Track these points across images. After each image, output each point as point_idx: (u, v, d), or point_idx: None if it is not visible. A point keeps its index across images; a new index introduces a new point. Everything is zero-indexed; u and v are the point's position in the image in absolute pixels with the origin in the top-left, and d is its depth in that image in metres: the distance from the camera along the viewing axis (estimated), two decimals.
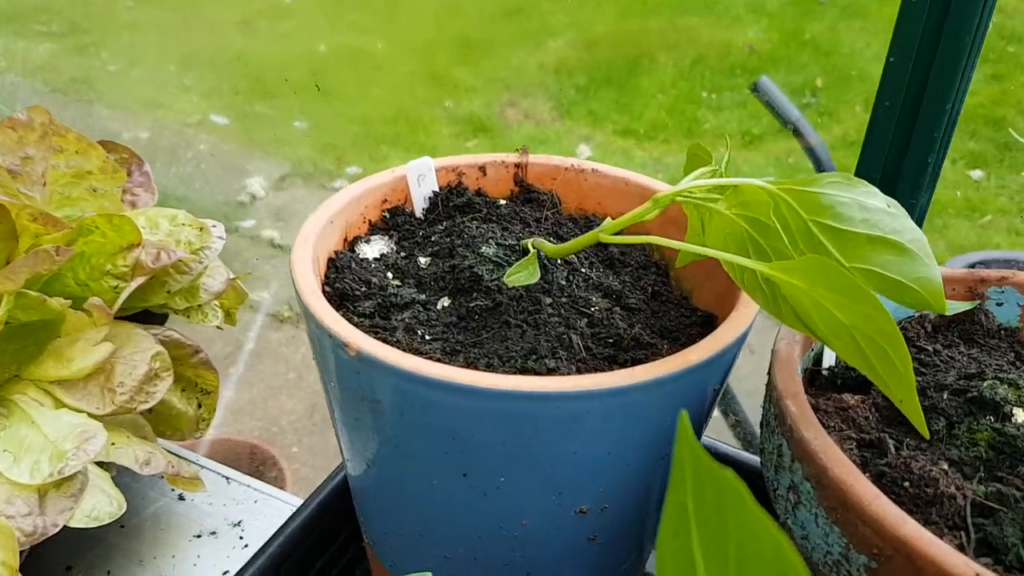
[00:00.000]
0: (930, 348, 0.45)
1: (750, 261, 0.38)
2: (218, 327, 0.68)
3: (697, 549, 0.19)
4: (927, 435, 0.36)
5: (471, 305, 0.46)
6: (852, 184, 0.38)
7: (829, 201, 0.38)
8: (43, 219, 0.57)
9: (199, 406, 0.66)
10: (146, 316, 0.66)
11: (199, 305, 0.66)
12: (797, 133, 1.09)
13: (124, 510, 0.51)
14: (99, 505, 0.51)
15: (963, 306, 0.43)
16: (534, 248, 0.46)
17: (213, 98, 3.12)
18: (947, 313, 0.37)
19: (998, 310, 0.48)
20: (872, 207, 0.38)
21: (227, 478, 0.67)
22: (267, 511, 0.64)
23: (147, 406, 0.57)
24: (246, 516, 0.63)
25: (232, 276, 0.70)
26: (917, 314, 0.49)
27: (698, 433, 0.47)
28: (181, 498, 0.65)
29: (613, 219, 0.44)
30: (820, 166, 1.04)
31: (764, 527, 0.18)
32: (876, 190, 0.38)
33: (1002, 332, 0.47)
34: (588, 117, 3.12)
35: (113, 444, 0.56)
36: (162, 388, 0.59)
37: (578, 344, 0.44)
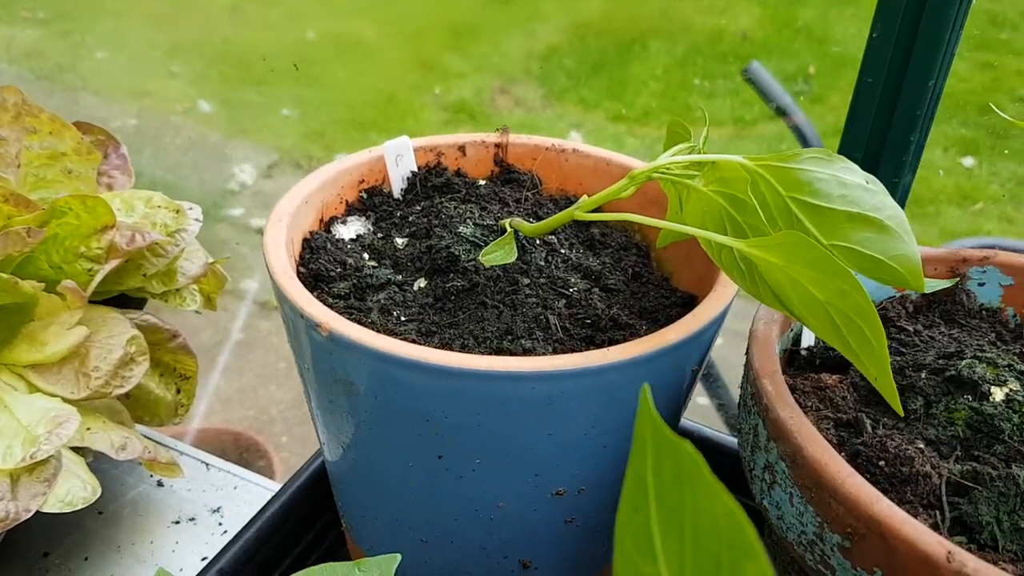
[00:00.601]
0: (910, 328, 0.45)
1: (727, 238, 0.37)
2: (197, 311, 0.67)
3: (655, 523, 0.19)
4: (901, 413, 0.36)
5: (447, 286, 0.45)
6: (831, 160, 0.38)
7: (807, 177, 0.38)
8: (15, 200, 0.56)
9: (178, 391, 0.66)
10: (123, 300, 0.65)
11: (177, 289, 0.66)
12: (784, 114, 1.09)
13: (99, 495, 0.50)
14: (73, 490, 0.50)
15: (941, 284, 0.42)
16: (511, 228, 0.46)
17: (200, 85, 3.10)
18: (926, 291, 0.37)
19: (980, 290, 0.48)
20: (851, 183, 0.37)
21: (206, 464, 0.66)
22: (247, 497, 0.64)
23: (123, 391, 0.57)
24: (225, 502, 0.63)
25: (211, 260, 0.69)
26: (898, 294, 0.48)
27: (677, 414, 0.46)
28: (160, 484, 0.64)
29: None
30: (808, 146, 1.03)
31: (719, 498, 0.17)
32: (855, 166, 0.38)
33: (983, 312, 0.47)
34: (579, 104, 3.10)
35: (88, 429, 0.55)
36: (138, 373, 0.58)
37: (555, 325, 0.43)
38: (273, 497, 0.56)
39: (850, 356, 0.33)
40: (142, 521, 0.61)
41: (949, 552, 0.30)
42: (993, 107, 0.43)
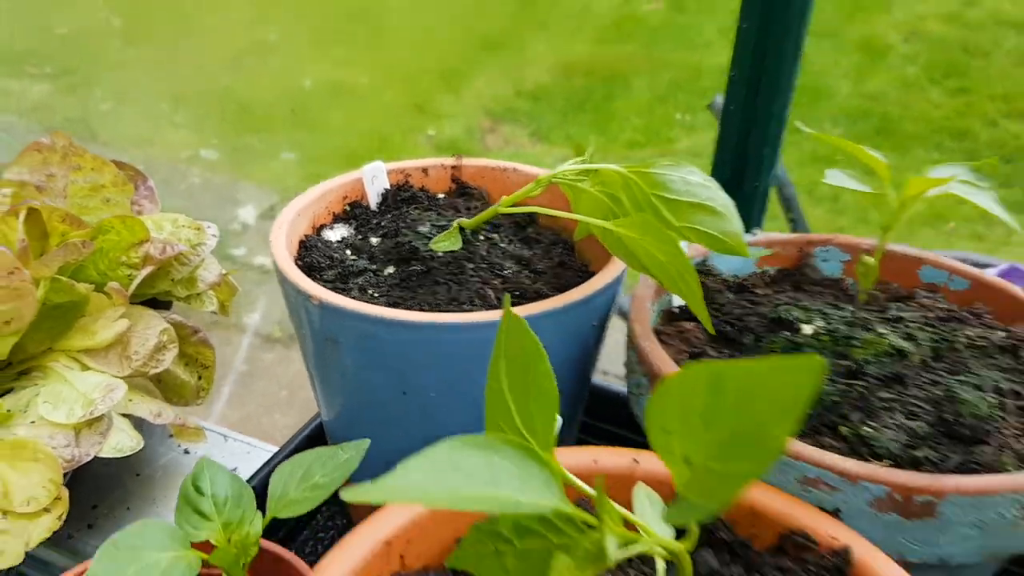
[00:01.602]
0: (762, 293, 0.59)
1: (605, 222, 0.52)
2: (213, 312, 0.81)
3: (503, 373, 0.33)
4: (712, 330, 0.49)
5: (409, 270, 0.59)
6: (679, 166, 0.52)
7: (662, 179, 0.52)
8: (69, 220, 0.70)
9: (199, 377, 0.80)
10: (154, 303, 0.79)
11: (197, 293, 0.80)
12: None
13: (143, 446, 0.64)
14: (122, 441, 0.64)
15: (763, 252, 0.56)
16: (457, 225, 0.60)
17: (203, 133, 3.26)
18: (747, 256, 0.51)
19: (824, 265, 0.62)
20: (693, 182, 0.52)
21: (224, 436, 0.80)
22: (259, 458, 0.77)
23: (157, 370, 0.70)
24: (240, 463, 0.76)
25: (225, 272, 0.83)
26: (759, 269, 0.62)
27: (586, 363, 0.60)
28: (186, 452, 0.78)
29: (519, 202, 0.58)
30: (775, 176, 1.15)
31: (539, 351, 0.31)
32: (697, 170, 0.52)
33: (826, 282, 0.61)
34: (566, 141, 3.25)
35: (131, 400, 0.69)
36: (168, 357, 0.72)
37: (491, 295, 0.57)
38: (277, 452, 0.69)
39: (680, 296, 0.47)
40: (172, 480, 0.74)
41: None
42: (800, 123, 0.57)
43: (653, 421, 0.28)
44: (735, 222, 0.50)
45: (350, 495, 0.27)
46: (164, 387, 0.77)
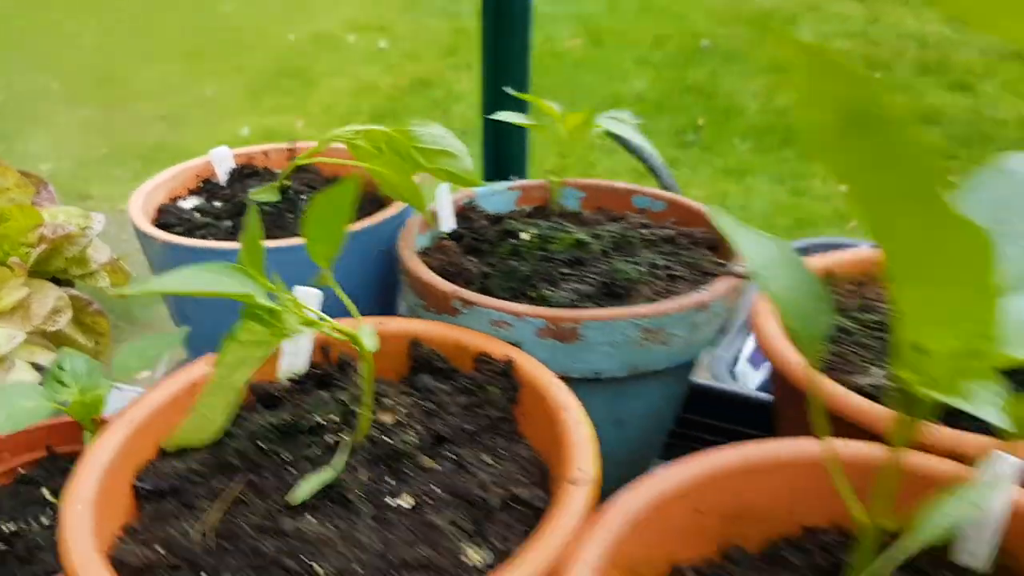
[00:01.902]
0: (516, 223, 0.77)
1: (371, 165, 0.69)
2: (105, 288, 0.97)
3: (243, 243, 0.50)
4: (431, 222, 0.67)
5: (241, 220, 0.76)
6: (427, 124, 0.70)
7: (417, 134, 0.70)
8: None
9: (96, 343, 0.95)
10: (56, 283, 0.95)
11: (91, 272, 0.96)
12: (642, 158, 1.36)
13: (40, 381, 0.79)
14: (22, 377, 0.79)
15: (499, 187, 0.74)
16: (274, 184, 0.78)
17: (141, 184, 3.39)
18: (478, 184, 0.69)
19: (566, 202, 0.80)
20: (437, 135, 0.70)
21: (119, 388, 0.95)
22: None
23: (54, 328, 0.86)
24: None
25: (116, 256, 0.99)
26: (517, 208, 0.80)
27: (383, 286, 0.77)
28: None
29: (339, 174, 0.76)
30: (663, 182, 1.27)
31: (258, 226, 0.48)
32: (442, 128, 0.70)
33: (565, 212, 0.79)
34: None
35: (33, 352, 0.84)
36: (63, 319, 0.88)
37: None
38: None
39: (409, 203, 0.65)
40: None
41: (452, 290, 0.61)
42: (507, 88, 0.75)
43: (307, 236, 0.45)
44: (467, 162, 0.69)
45: (121, 292, 0.44)
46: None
